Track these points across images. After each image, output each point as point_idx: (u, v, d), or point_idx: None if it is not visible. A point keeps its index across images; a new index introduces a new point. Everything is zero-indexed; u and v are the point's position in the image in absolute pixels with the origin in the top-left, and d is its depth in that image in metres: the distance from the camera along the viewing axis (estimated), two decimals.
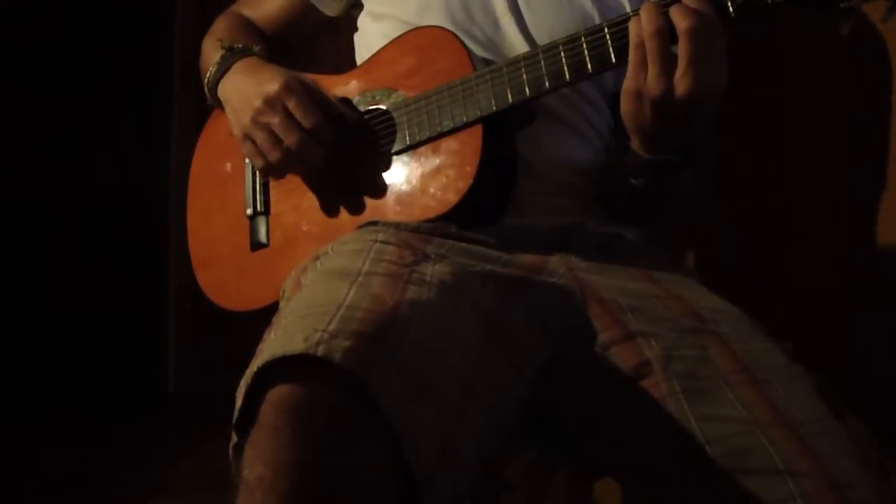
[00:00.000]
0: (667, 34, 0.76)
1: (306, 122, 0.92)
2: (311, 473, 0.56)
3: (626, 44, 0.79)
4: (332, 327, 0.63)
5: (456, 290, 0.76)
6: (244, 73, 1.01)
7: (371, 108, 0.97)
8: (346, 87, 1.00)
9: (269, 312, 0.87)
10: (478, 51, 0.93)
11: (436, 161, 0.90)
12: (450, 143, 0.90)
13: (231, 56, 1.03)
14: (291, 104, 0.92)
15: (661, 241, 1.04)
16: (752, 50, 1.17)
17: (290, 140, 0.92)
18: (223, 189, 1.09)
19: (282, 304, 0.87)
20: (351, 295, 0.69)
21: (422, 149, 0.92)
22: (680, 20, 0.75)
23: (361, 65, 1.02)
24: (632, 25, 0.78)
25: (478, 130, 0.88)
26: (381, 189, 0.93)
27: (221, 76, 1.03)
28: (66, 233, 2.42)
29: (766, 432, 0.67)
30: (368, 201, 0.94)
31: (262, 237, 1.03)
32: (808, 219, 1.25)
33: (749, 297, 0.85)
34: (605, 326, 0.79)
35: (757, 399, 0.70)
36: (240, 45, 1.05)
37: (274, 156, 0.94)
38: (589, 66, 0.83)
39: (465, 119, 0.88)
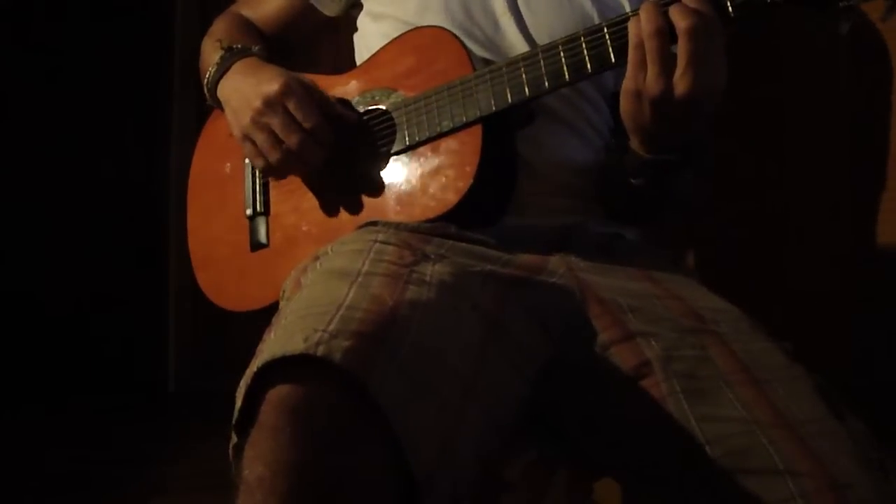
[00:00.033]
0: (666, 34, 0.76)
1: (306, 123, 0.92)
2: (311, 473, 0.56)
3: (626, 44, 0.79)
4: (331, 327, 0.63)
5: (456, 290, 0.76)
6: (244, 73, 1.01)
7: (371, 108, 0.97)
8: (345, 87, 1.00)
9: (269, 312, 0.87)
10: (477, 51, 0.93)
11: (435, 161, 0.90)
12: (449, 144, 0.90)
13: (230, 56, 1.03)
14: (291, 105, 0.92)
15: (661, 241, 1.04)
16: (752, 50, 1.17)
17: (291, 141, 0.92)
18: (223, 189, 1.09)
19: (282, 304, 0.87)
20: (351, 295, 0.69)
21: (421, 149, 0.92)
22: (679, 20, 0.75)
23: (361, 65, 1.02)
24: (631, 25, 0.78)
25: (477, 130, 0.88)
26: (380, 189, 0.93)
27: (221, 76, 1.03)
28: (66, 233, 2.41)
29: (766, 432, 0.67)
30: (368, 201, 0.94)
31: (262, 237, 1.03)
32: (808, 219, 1.25)
33: (749, 296, 0.85)
34: (605, 326, 0.79)
35: (757, 399, 0.70)
36: (239, 46, 1.05)
37: (274, 156, 0.94)
38: (588, 65, 0.83)
39: (464, 119, 0.88)
